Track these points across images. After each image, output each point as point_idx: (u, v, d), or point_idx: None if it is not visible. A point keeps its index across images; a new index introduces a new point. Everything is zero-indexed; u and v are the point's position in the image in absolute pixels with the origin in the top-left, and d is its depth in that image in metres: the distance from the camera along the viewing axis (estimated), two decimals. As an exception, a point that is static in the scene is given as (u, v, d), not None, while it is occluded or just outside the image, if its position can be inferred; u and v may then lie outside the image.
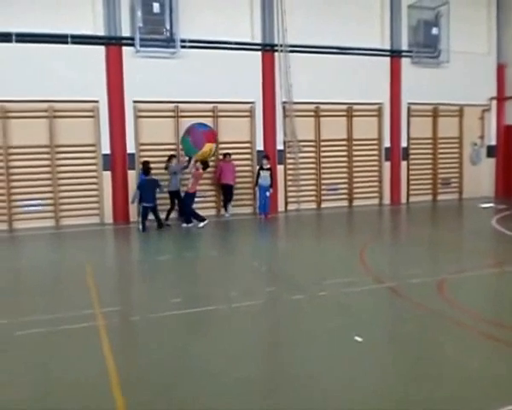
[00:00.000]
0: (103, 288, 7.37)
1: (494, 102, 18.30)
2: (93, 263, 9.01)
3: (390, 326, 5.91)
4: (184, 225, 12.76)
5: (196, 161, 12.93)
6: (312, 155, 16.09)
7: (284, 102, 15.31)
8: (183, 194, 13.36)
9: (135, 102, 13.89)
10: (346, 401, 4.00)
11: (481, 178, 18.38)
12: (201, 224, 12.75)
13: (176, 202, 13.45)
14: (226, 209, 14.65)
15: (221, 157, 14.52)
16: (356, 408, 3.90)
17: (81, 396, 4.15)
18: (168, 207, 13.36)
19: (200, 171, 13.08)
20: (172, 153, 13.75)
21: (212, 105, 14.63)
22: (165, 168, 13.37)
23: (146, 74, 13.72)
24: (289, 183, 15.87)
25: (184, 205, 13.03)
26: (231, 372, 4.50)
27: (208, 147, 12.86)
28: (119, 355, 4.90)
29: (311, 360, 4.77)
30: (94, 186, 13.91)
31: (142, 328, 5.77)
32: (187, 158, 13.39)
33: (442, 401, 3.93)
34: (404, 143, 17.03)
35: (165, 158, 13.59)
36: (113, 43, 13.62)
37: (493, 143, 18.50)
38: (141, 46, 13.58)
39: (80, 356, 4.95)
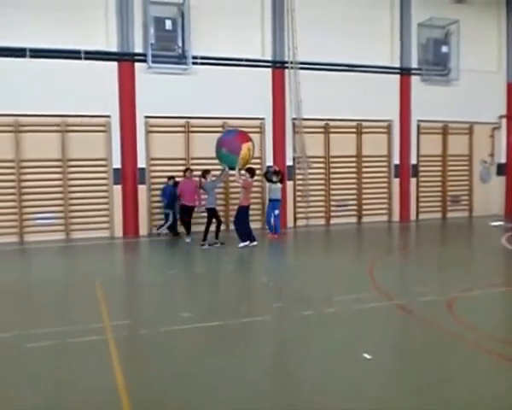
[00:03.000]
0: (113, 301, 7.41)
1: (504, 121, 18.28)
2: (103, 277, 9.06)
3: (399, 344, 5.88)
4: (241, 244, 11.84)
5: (240, 170, 11.83)
6: (322, 171, 16.14)
7: (294, 119, 15.40)
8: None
9: (146, 117, 14.04)
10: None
11: (491, 196, 18.31)
12: (244, 243, 11.88)
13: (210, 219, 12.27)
14: (188, 233, 12.94)
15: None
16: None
17: (90, 408, 4.17)
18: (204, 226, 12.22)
19: (249, 180, 12.09)
20: (206, 168, 12.71)
21: (222, 121, 14.74)
22: (200, 186, 12.61)
23: (157, 90, 13.89)
24: (298, 198, 15.90)
25: (238, 220, 12.07)
26: (239, 389, 4.50)
27: (245, 148, 11.68)
28: (128, 369, 4.92)
29: (320, 376, 4.76)
30: (104, 200, 14.04)
31: (151, 342, 5.79)
32: (225, 169, 12.23)
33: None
34: (413, 160, 17.03)
35: (174, 173, 13.66)
36: (125, 59, 13.82)
37: (503, 161, 18.45)
38: (153, 62, 13.77)
39: (89, 369, 4.97)
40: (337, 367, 4.98)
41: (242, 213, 11.97)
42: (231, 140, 11.82)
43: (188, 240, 12.73)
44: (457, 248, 12.19)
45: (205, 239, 12.00)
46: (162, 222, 13.94)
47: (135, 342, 5.84)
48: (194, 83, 14.28)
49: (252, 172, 12.18)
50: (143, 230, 14.11)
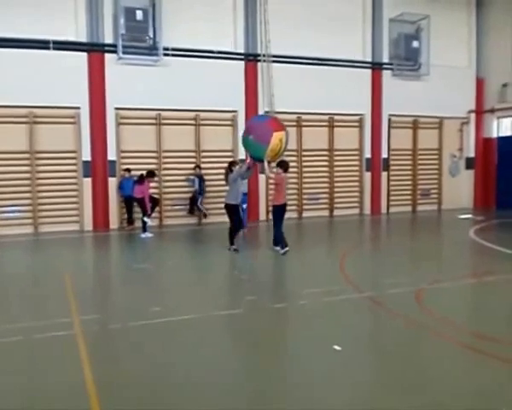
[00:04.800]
0: (82, 296, 7.29)
1: (473, 115, 18.63)
2: (72, 271, 8.92)
3: (368, 335, 5.94)
4: (277, 248, 10.25)
5: (269, 163, 10.06)
6: (294, 164, 16.15)
7: (266, 112, 15.38)
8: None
9: (116, 109, 13.84)
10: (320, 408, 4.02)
11: (460, 189, 18.66)
12: (282, 250, 10.14)
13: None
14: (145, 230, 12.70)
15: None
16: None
17: (57, 405, 4.09)
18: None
19: (282, 175, 10.32)
20: (232, 159, 12.15)
21: (194, 113, 14.65)
22: (226, 179, 11.36)
23: (128, 81, 13.70)
24: (271, 192, 15.89)
25: (274, 222, 10.47)
26: (211, 381, 4.48)
27: (277, 138, 9.59)
28: (97, 364, 4.84)
29: (289, 367, 4.78)
30: (74, 193, 13.82)
31: (120, 336, 5.72)
32: (248, 160, 10.59)
33: (419, 410, 3.97)
34: (384, 154, 17.23)
35: (145, 166, 13.52)
36: (95, 49, 13.58)
37: (472, 155, 18.81)
38: (123, 53, 13.56)
39: (57, 365, 4.88)
40: (307, 359, 5.00)
41: (277, 213, 10.36)
42: (262, 126, 9.94)
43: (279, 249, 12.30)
44: (427, 241, 12.38)
45: (232, 243, 10.50)
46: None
47: (104, 337, 5.76)
48: (165, 75, 14.13)
49: (285, 165, 10.45)
50: (114, 223, 13.93)
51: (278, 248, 10.17)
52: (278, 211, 10.32)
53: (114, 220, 13.96)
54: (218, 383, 4.46)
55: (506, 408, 3.91)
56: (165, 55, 14.08)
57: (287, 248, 10.05)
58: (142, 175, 12.78)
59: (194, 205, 14.59)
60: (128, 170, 13.69)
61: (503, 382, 4.43)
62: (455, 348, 5.30)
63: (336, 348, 5.18)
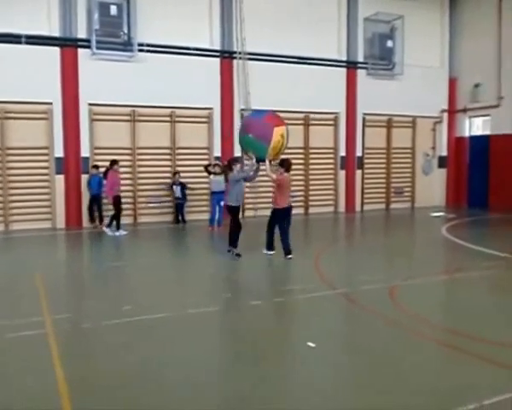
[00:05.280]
0: (53, 295, 7.18)
1: (445, 115, 18.92)
2: (43, 269, 8.77)
3: (342, 332, 5.99)
4: (290, 256, 9.37)
5: (271, 162, 9.34)
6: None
7: (242, 110, 15.36)
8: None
9: (90, 104, 13.65)
10: (292, 403, 4.03)
11: (433, 187, 18.94)
12: (269, 252, 9.66)
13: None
14: (110, 226, 12.56)
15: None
16: (308, 414, 3.93)
17: (28, 405, 4.02)
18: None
19: (284, 175, 9.51)
20: (236, 156, 11.04)
21: (169, 110, 14.54)
22: (226, 178, 10.18)
23: (102, 77, 13.52)
24: (247, 189, 15.88)
25: (269, 225, 9.72)
26: (184, 380, 4.46)
27: (278, 134, 8.92)
28: (69, 364, 4.77)
29: (262, 364, 4.78)
30: (46, 190, 13.59)
31: (93, 335, 5.64)
32: (253, 159, 9.31)
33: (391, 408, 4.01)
34: (359, 153, 17.38)
35: (121, 162, 13.35)
36: (68, 44, 13.38)
37: (444, 153, 19.11)
38: (97, 48, 13.38)
39: (28, 365, 4.79)
40: (281, 356, 5.01)
41: (276, 217, 9.52)
42: (261, 123, 9.22)
43: (110, 233, 12.38)
44: (400, 239, 12.54)
45: (233, 245, 9.71)
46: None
47: (76, 336, 5.68)
48: (140, 71, 13.99)
49: (286, 164, 9.57)
50: (87, 221, 13.74)
51: (266, 251, 9.65)
52: (278, 215, 9.43)
53: (87, 218, 13.77)
54: (191, 381, 4.43)
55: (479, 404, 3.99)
56: (140, 51, 13.93)
57: (272, 252, 9.60)
58: (107, 169, 12.65)
59: (179, 214, 14.35)
60: (96, 166, 13.40)
61: (476, 377, 4.51)
62: (427, 345, 5.37)
63: (310, 344, 5.20)
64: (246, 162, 10.62)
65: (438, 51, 18.80)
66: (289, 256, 9.34)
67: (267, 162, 9.11)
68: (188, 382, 4.42)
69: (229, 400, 4.16)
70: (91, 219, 13.62)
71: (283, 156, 9.66)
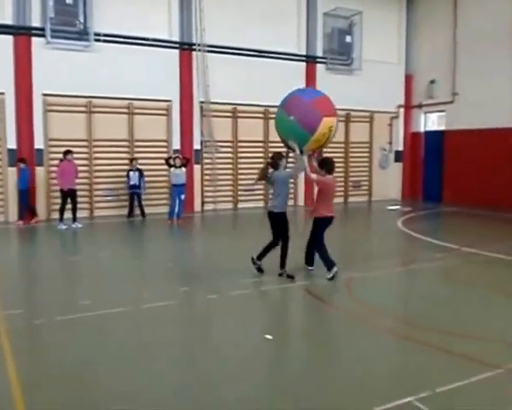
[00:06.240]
0: (6, 290, 6.97)
1: (402, 110, 19.31)
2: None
3: (300, 324, 6.05)
4: (329, 276, 7.45)
5: (310, 158, 7.75)
6: (229, 155, 16.17)
7: (202, 102, 15.26)
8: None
9: (44, 95, 13.28)
10: (234, 392, 4.05)
11: (389, 181, 19.32)
12: (331, 273, 7.49)
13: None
14: (75, 220, 12.43)
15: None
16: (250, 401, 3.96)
17: (-24, 405, 3.90)
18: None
19: (328, 177, 7.67)
20: (280, 150, 8.18)
21: (127, 102, 14.30)
22: (263, 178, 7.94)
23: (57, 67, 13.17)
24: (206, 183, 15.84)
25: (314, 239, 7.83)
26: (139, 376, 4.41)
27: (326, 125, 7.18)
28: (22, 362, 4.65)
29: (222, 357, 4.78)
30: (-2, 183, 13.16)
31: (47, 331, 5.51)
32: (297, 150, 7.36)
33: (346, 396, 4.08)
34: (318, 147, 17.51)
35: (76, 155, 13.05)
36: (21, 32, 12.95)
37: (400, 148, 19.51)
38: (52, 37, 13.03)
39: (-23, 363, 4.64)
40: (239, 348, 5.02)
41: (321, 227, 7.72)
42: (309, 107, 7.26)
43: (63, 227, 12.09)
44: (356, 231, 12.74)
45: (283, 266, 7.71)
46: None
47: (29, 333, 5.53)
48: (96, 61, 13.69)
49: (328, 165, 7.75)
50: (41, 214, 13.38)
51: (335, 270, 7.49)
52: (323, 224, 7.69)
53: (42, 211, 13.41)
54: (147, 377, 4.39)
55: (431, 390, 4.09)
56: (97, 40, 13.64)
57: (335, 269, 7.49)
58: (60, 160, 12.37)
59: (137, 206, 13.99)
60: (22, 160, 12.64)
61: (429, 366, 4.63)
62: (380, 335, 5.48)
63: (268, 337, 5.23)
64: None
65: (395, 48, 19.15)
66: (329, 275, 7.49)
67: (305, 158, 7.40)
68: (143, 378, 4.37)
69: (180, 394, 4.14)
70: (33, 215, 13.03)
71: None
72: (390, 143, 19.36)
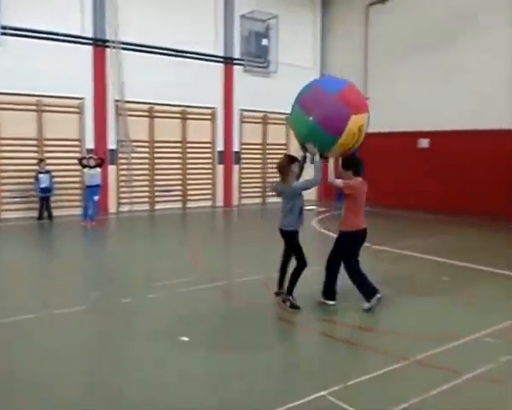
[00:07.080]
0: None
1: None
2: None
3: (217, 325, 6.02)
4: (366, 305, 6.11)
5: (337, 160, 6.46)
6: (146, 155, 15.85)
7: (117, 101, 14.86)
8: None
9: None
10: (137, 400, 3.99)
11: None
12: (370, 302, 6.12)
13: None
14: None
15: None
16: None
17: None
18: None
19: (358, 180, 6.34)
20: (291, 153, 7.24)
21: (35, 98, 13.62)
22: (275, 190, 6.59)
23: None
24: (122, 184, 15.42)
25: (344, 260, 6.33)
26: (50, 384, 4.20)
27: (356, 125, 5.89)
28: None
29: (134, 362, 4.66)
30: None
31: None
32: (317, 155, 6.02)
33: (258, 395, 4.11)
34: (236, 148, 17.62)
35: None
36: None
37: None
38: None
39: None
40: (153, 351, 4.92)
41: (347, 243, 6.34)
42: (333, 102, 5.91)
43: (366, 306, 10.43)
44: (273, 231, 12.86)
45: (290, 292, 6.34)
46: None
47: None
48: (3, 55, 12.92)
49: (356, 165, 6.37)
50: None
51: (375, 298, 6.11)
52: (354, 240, 6.31)
53: None
54: (60, 384, 4.20)
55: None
56: (4, 34, 12.88)
57: (378, 296, 6.13)
58: None
59: (44, 209, 13.33)
60: None
61: (343, 360, 4.77)
62: (300, 333, 5.58)
63: (184, 339, 5.16)
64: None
65: (310, 51, 19.62)
66: (367, 305, 6.11)
67: (330, 164, 6.21)
68: (55, 385, 4.17)
69: (91, 395, 4.00)
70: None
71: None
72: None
